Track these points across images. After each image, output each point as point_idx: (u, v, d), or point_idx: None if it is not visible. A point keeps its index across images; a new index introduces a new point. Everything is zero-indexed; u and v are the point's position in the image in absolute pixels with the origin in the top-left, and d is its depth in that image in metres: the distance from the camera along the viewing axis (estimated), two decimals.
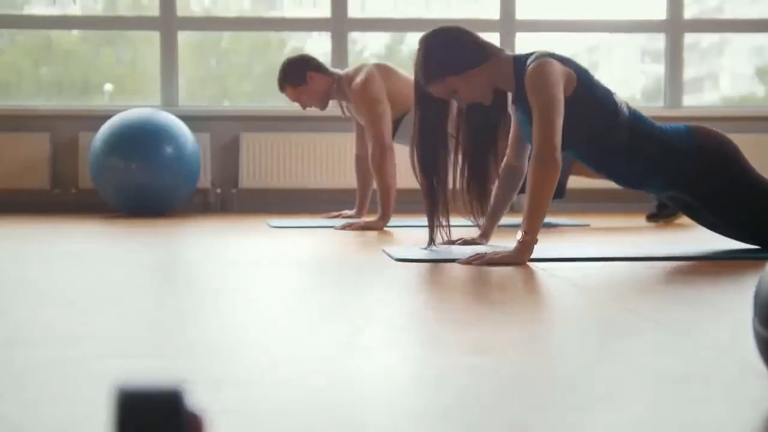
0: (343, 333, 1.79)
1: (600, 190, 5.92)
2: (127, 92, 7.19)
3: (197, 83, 7.31)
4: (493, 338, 1.74)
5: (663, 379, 1.40)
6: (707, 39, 8.19)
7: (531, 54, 3.10)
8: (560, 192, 4.86)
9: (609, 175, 3.26)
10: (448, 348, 1.64)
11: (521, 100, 3.13)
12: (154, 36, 6.52)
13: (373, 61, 5.01)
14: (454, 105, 3.24)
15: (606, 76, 8.67)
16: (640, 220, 5.11)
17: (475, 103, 3.16)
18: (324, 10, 6.56)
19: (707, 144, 3.12)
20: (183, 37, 6.58)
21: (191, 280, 2.73)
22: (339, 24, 6.47)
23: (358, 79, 4.74)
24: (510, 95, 3.21)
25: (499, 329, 1.84)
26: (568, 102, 3.00)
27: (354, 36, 7.13)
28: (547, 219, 5.22)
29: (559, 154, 2.92)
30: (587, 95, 3.05)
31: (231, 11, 7.22)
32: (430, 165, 3.22)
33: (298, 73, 4.85)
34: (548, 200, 2.92)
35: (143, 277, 2.73)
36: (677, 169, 3.11)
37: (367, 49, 7.67)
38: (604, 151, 3.14)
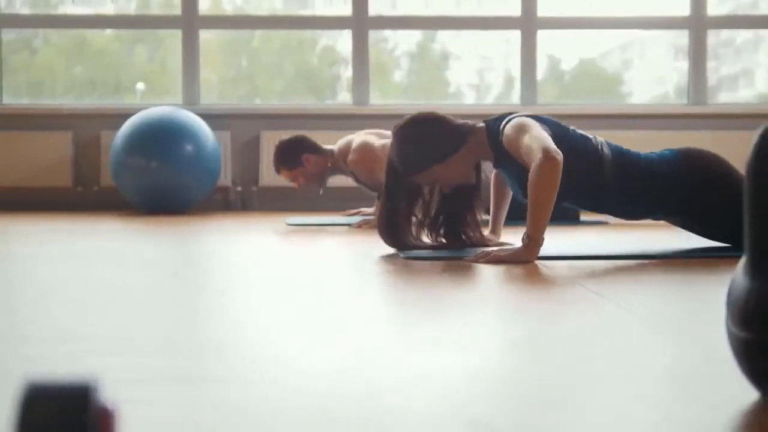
0: (337, 332, 1.79)
1: None
2: (159, 91, 7.23)
3: (228, 82, 7.35)
4: (477, 336, 1.74)
5: (642, 377, 1.39)
6: (742, 35, 8.11)
7: (503, 117, 3.13)
8: (574, 220, 4.83)
9: (611, 214, 3.26)
10: (430, 346, 1.64)
11: (502, 163, 3.15)
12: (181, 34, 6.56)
13: (360, 134, 4.96)
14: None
15: (639, 73, 8.62)
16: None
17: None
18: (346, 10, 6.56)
19: (695, 164, 3.11)
20: (214, 36, 6.62)
21: (197, 279, 2.74)
22: (360, 22, 6.47)
23: (354, 146, 4.72)
24: (490, 164, 3.23)
25: (484, 327, 1.84)
26: None
27: (386, 34, 7.13)
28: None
29: (559, 156, 2.88)
30: (565, 149, 3.03)
31: (262, 9, 7.23)
32: (398, 241, 3.20)
33: (293, 156, 4.87)
34: (552, 197, 2.89)
35: (150, 276, 2.74)
36: (671, 194, 3.10)
37: (399, 47, 7.68)
38: (596, 196, 3.14)
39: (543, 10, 6.50)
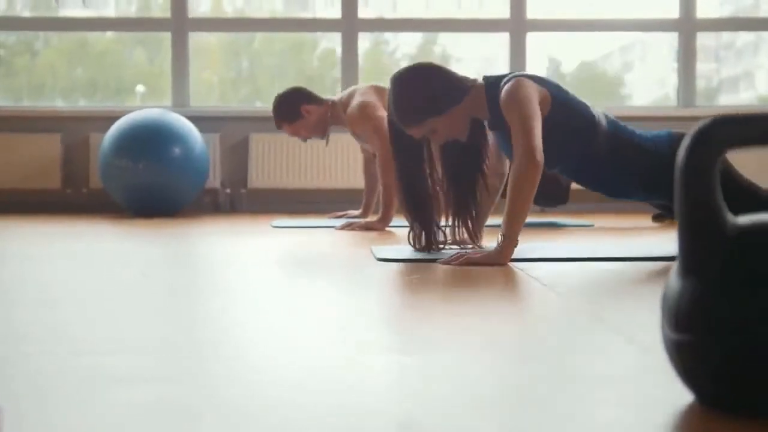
0: (296, 332, 1.80)
1: None
2: (159, 93, 7.25)
3: (229, 83, 7.35)
4: (436, 338, 1.74)
5: (585, 379, 1.39)
6: (742, 38, 8.10)
7: (503, 76, 3.09)
8: (563, 197, 4.84)
9: (595, 188, 3.24)
10: (388, 347, 1.64)
11: (497, 125, 3.10)
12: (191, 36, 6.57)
13: (364, 84, 4.94)
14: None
15: (640, 75, 8.61)
16: (647, 221, 5.07)
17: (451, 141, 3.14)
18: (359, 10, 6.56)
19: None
20: (214, 38, 6.62)
21: (166, 279, 2.74)
22: (349, 24, 6.47)
23: (354, 102, 4.69)
24: (486, 123, 3.19)
25: (444, 329, 1.84)
26: (545, 121, 2.97)
27: (387, 37, 7.13)
28: (553, 219, 5.22)
29: (540, 156, 2.88)
30: (563, 113, 3.03)
31: (263, 11, 7.24)
32: (421, 208, 3.18)
33: (292, 109, 4.80)
34: (529, 202, 2.89)
35: (121, 276, 2.75)
36: (659, 175, 3.09)
37: (400, 49, 7.69)
38: (586, 164, 3.13)
39: (532, 13, 6.50)
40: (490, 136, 3.26)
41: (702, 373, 1.17)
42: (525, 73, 3.10)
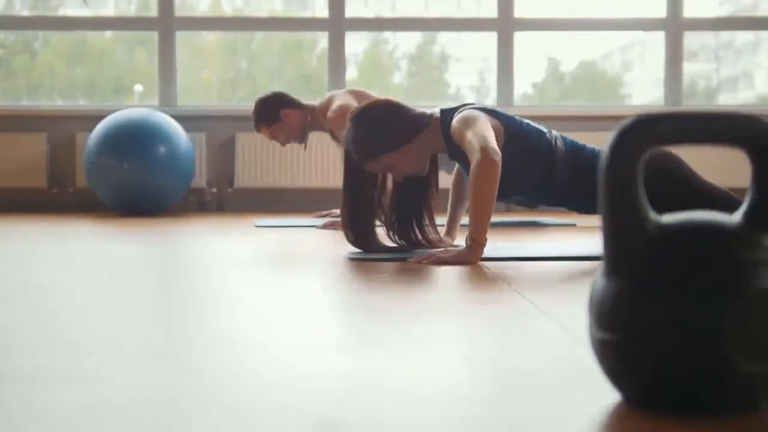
0: (247, 328, 1.80)
1: None
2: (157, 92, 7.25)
3: (228, 83, 7.35)
4: (379, 337, 1.74)
5: (507, 373, 1.39)
6: (742, 37, 8.09)
7: (457, 108, 3.12)
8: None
9: (565, 207, 3.26)
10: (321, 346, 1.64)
11: (456, 155, 3.14)
12: (186, 35, 6.56)
13: (342, 92, 4.94)
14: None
15: (640, 75, 8.60)
16: None
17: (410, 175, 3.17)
18: (355, 10, 6.56)
19: (649, 162, 3.06)
20: (213, 38, 6.62)
21: (134, 279, 2.74)
22: (336, 24, 6.47)
23: (334, 105, 4.68)
24: (447, 156, 3.22)
25: (392, 329, 1.84)
26: (502, 153, 2.96)
27: (386, 36, 7.13)
28: (536, 218, 5.22)
29: (497, 156, 2.87)
30: (518, 141, 3.04)
31: (260, 11, 7.24)
32: (361, 235, 3.21)
33: (271, 112, 4.79)
34: (492, 200, 2.88)
35: (89, 276, 2.75)
36: None
37: (399, 48, 7.68)
38: (549, 189, 3.14)
39: (520, 12, 6.49)
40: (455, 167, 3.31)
41: (624, 372, 1.17)
42: (476, 105, 3.13)
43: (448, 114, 3.12)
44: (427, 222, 3.26)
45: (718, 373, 1.11)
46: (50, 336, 1.75)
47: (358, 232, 3.19)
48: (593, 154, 3.14)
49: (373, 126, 3.11)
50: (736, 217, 1.19)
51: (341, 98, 4.67)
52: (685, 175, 3.03)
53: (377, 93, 4.79)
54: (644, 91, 8.62)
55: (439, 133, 3.13)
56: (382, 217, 3.23)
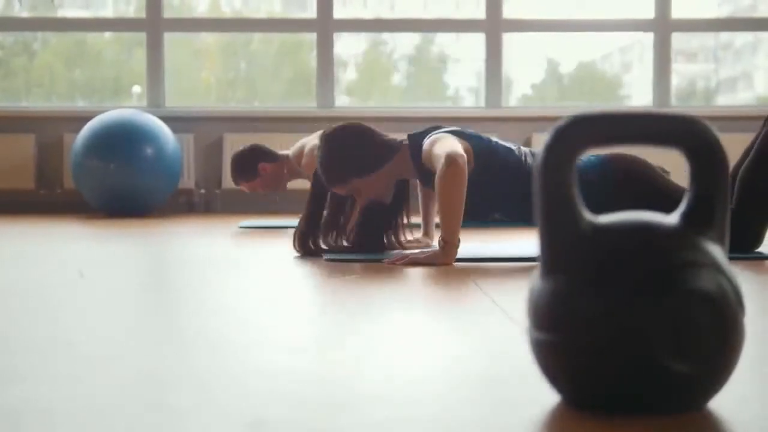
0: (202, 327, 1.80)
1: None
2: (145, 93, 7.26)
3: (226, 84, 7.35)
4: (333, 336, 1.74)
5: (459, 374, 1.39)
6: (741, 38, 8.08)
7: (425, 132, 3.13)
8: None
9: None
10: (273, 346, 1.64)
11: (428, 180, 3.15)
12: (182, 36, 6.55)
13: (313, 137, 4.96)
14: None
15: (639, 76, 8.58)
16: None
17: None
18: (354, 11, 6.55)
19: (615, 170, 3.07)
20: (212, 39, 6.62)
21: (104, 279, 2.74)
22: (324, 25, 6.47)
23: (306, 150, 4.72)
24: (419, 182, 3.26)
25: (347, 328, 1.84)
26: (473, 174, 2.97)
27: (385, 37, 7.13)
28: None
29: (461, 159, 2.87)
30: (488, 159, 3.05)
31: (261, 12, 7.24)
32: (308, 247, 3.24)
33: (249, 168, 4.84)
34: (460, 200, 2.87)
35: (64, 278, 2.75)
36: (591, 199, 3.08)
37: (397, 50, 7.67)
38: (523, 206, 3.12)
39: (508, 12, 6.50)
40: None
41: (561, 372, 1.17)
42: (445, 129, 3.13)
43: (417, 138, 3.14)
44: (393, 238, 3.27)
45: (650, 373, 1.11)
46: (23, 336, 1.75)
47: (306, 249, 3.23)
48: None
49: (343, 150, 3.13)
50: (673, 217, 1.19)
51: (312, 142, 4.73)
52: (653, 178, 3.04)
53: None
54: (643, 92, 8.62)
55: (409, 158, 3.15)
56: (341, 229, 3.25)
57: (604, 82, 8.51)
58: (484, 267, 2.83)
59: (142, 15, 6.52)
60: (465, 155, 2.88)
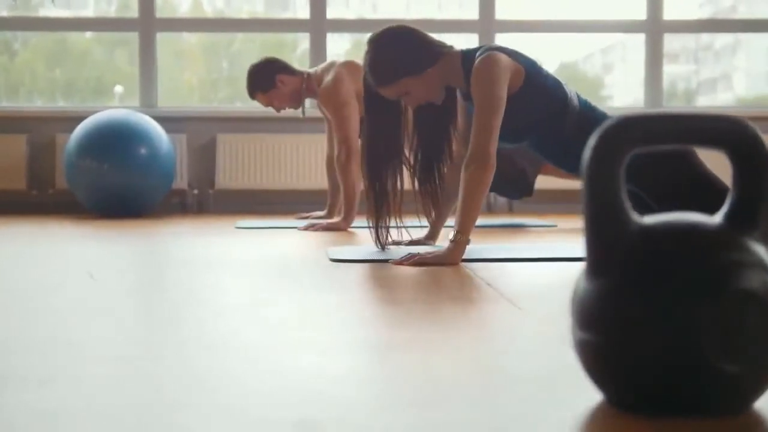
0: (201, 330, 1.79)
1: (573, 190, 5.88)
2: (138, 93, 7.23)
3: (209, 84, 7.32)
4: (345, 338, 1.74)
5: (489, 372, 1.40)
6: (721, 40, 8.12)
7: (480, 48, 3.10)
8: (528, 189, 4.83)
9: (560, 164, 3.24)
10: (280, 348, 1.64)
11: (469, 96, 3.12)
12: (168, 36, 6.52)
13: (342, 59, 4.96)
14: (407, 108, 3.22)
15: (620, 76, 8.61)
16: None
17: (425, 103, 3.15)
18: (336, 12, 6.55)
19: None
20: (195, 39, 6.59)
21: (114, 282, 2.73)
22: (317, 25, 6.47)
23: (327, 78, 4.70)
24: (459, 91, 3.20)
25: (366, 329, 1.83)
26: (518, 94, 3.00)
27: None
28: (517, 221, 5.23)
29: (493, 157, 2.91)
30: (536, 87, 3.06)
31: (243, 12, 7.22)
32: (377, 171, 3.21)
33: (266, 78, 4.80)
34: (481, 201, 2.91)
35: (68, 279, 2.73)
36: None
37: None
38: (555, 139, 3.13)
39: (501, 13, 6.51)
40: (461, 104, 3.30)
41: (606, 372, 1.18)
42: (500, 46, 3.11)
43: (469, 54, 3.11)
44: (446, 155, 3.26)
45: (698, 373, 1.12)
46: (23, 336, 1.74)
47: (374, 173, 3.19)
48: (603, 117, 3.14)
49: (392, 49, 3.09)
50: (717, 218, 1.19)
51: (336, 71, 4.69)
52: (694, 163, 3.04)
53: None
54: (625, 93, 8.64)
55: (459, 67, 3.11)
56: (404, 161, 3.23)
57: (586, 83, 8.53)
58: (490, 267, 2.83)
59: (126, 14, 6.50)
60: (494, 156, 2.92)
